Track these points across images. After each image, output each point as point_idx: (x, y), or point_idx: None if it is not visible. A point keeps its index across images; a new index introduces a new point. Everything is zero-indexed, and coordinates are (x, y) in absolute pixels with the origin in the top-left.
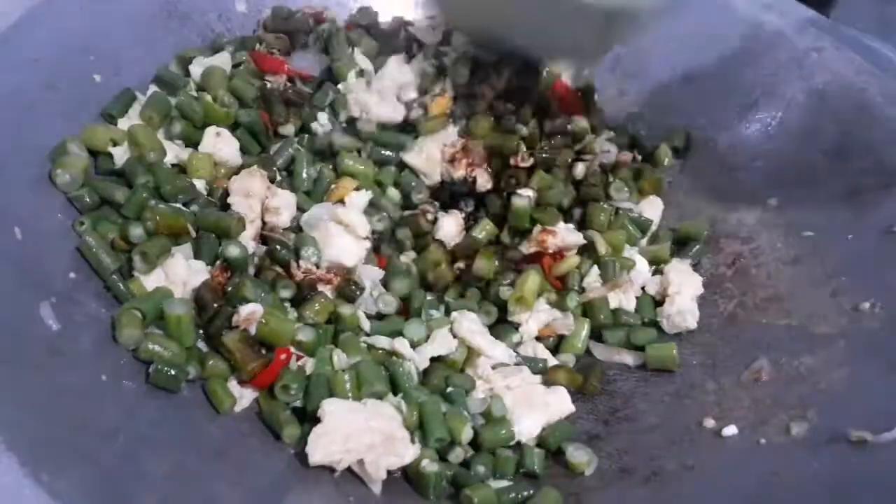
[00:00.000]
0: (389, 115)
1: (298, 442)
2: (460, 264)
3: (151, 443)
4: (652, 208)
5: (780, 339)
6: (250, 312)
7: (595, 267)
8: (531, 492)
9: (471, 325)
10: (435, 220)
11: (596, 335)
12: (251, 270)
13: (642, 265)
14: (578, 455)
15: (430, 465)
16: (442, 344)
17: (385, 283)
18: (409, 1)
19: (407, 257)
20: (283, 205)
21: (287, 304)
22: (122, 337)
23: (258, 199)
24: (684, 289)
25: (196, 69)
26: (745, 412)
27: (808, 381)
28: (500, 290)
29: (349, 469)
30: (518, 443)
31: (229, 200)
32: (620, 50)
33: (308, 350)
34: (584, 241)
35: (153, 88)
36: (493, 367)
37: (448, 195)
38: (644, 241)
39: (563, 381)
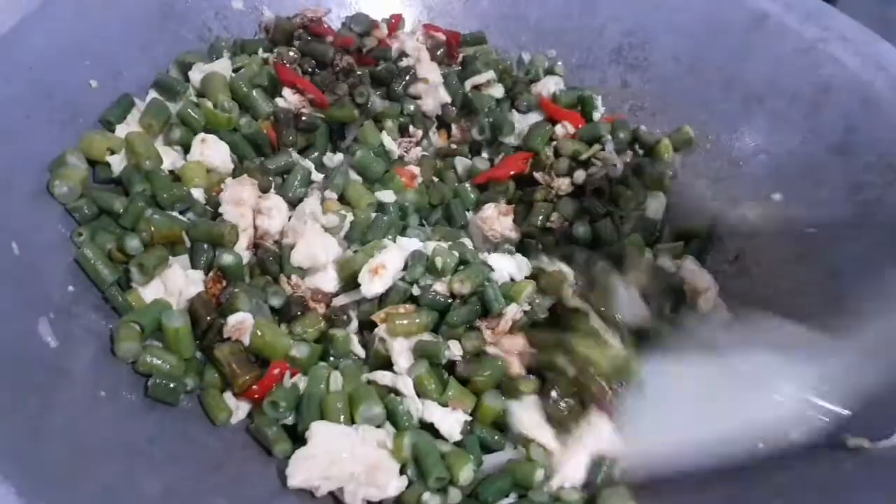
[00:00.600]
0: None
1: (288, 458)
2: None
3: (149, 459)
4: (656, 204)
5: None
6: (239, 322)
7: None
8: None
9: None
10: None
11: None
12: (247, 279)
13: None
14: None
15: (432, 500)
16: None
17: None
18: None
19: None
20: (275, 209)
21: (275, 318)
22: (120, 350)
23: (249, 207)
24: (711, 285)
25: (195, 75)
26: None
27: None
28: None
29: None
30: None
31: (220, 210)
32: (623, 41)
33: (302, 367)
34: None
35: (152, 94)
36: None
37: None
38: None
39: None
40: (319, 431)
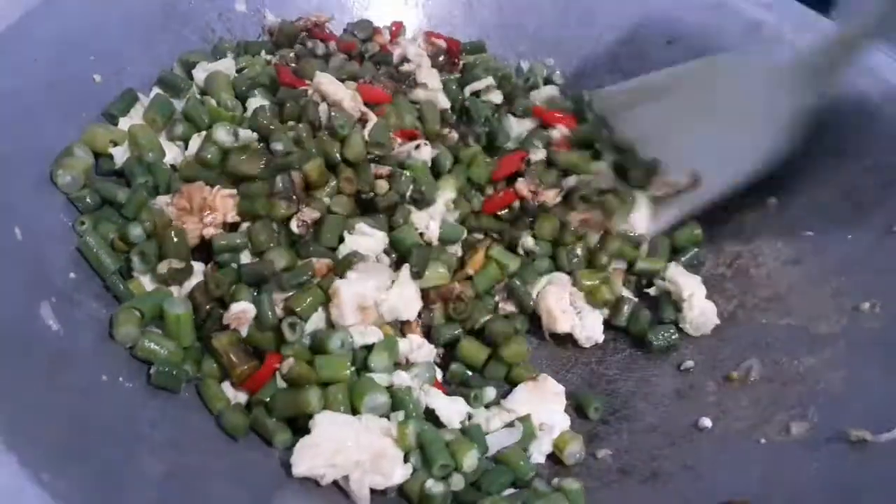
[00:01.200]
0: None
1: (290, 448)
2: None
3: (150, 443)
4: (641, 219)
5: (780, 340)
6: (241, 311)
7: None
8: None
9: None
10: None
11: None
12: None
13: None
14: None
15: (435, 486)
16: None
17: None
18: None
19: None
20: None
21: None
22: (118, 334)
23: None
24: (696, 290)
25: (199, 74)
26: (745, 412)
27: (807, 381)
28: None
29: (335, 483)
30: None
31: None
32: (619, 50)
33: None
34: None
35: (156, 90)
36: None
37: None
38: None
39: None
40: (323, 421)
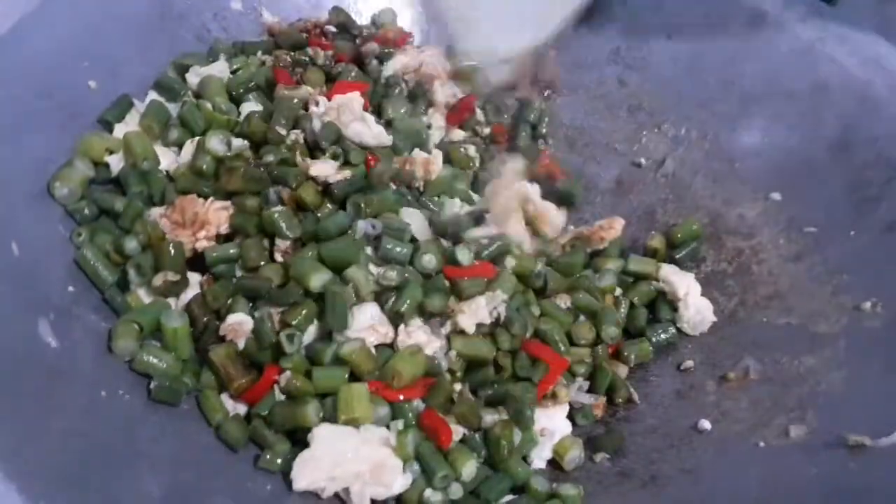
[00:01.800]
0: None
1: (287, 462)
2: None
3: (150, 460)
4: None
5: (781, 339)
6: (238, 322)
7: None
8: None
9: None
10: None
11: None
12: None
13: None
14: None
15: (434, 496)
16: None
17: None
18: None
19: None
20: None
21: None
22: (117, 348)
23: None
24: (691, 289)
25: (193, 78)
26: (745, 414)
27: (807, 382)
28: None
29: (336, 495)
30: None
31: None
32: (621, 42)
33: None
34: None
35: (152, 95)
36: None
37: None
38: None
39: None
40: (322, 434)
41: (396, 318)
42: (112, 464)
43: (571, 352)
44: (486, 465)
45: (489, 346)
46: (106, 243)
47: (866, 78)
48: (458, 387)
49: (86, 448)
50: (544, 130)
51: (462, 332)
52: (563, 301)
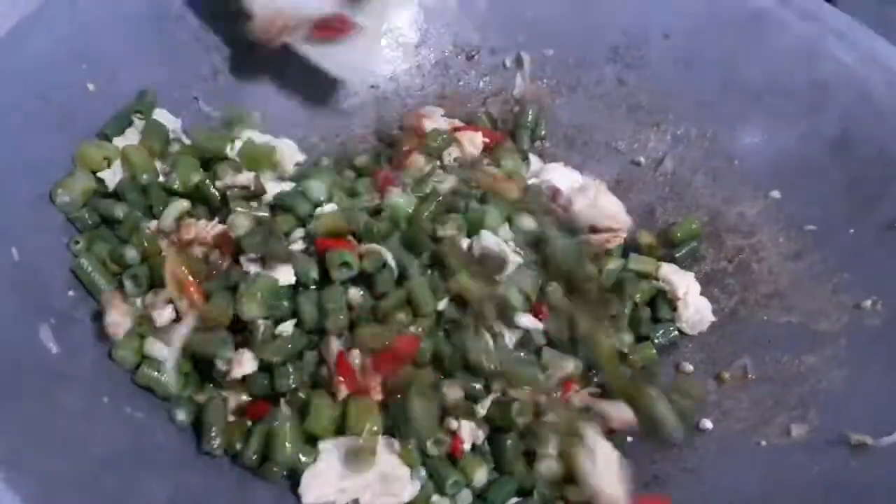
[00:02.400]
0: None
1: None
2: None
3: (154, 464)
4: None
5: (781, 337)
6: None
7: None
8: None
9: None
10: None
11: None
12: None
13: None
14: None
15: (442, 502)
16: None
17: None
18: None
19: None
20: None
21: None
22: (117, 356)
23: None
24: (690, 288)
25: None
26: (746, 413)
27: (808, 381)
28: None
29: None
30: None
31: None
32: (619, 40)
33: None
34: None
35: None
36: None
37: None
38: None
39: None
40: (328, 447)
41: None
42: (115, 470)
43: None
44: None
45: None
46: (104, 252)
47: (866, 76)
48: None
49: (88, 452)
50: (543, 132)
51: None
52: None
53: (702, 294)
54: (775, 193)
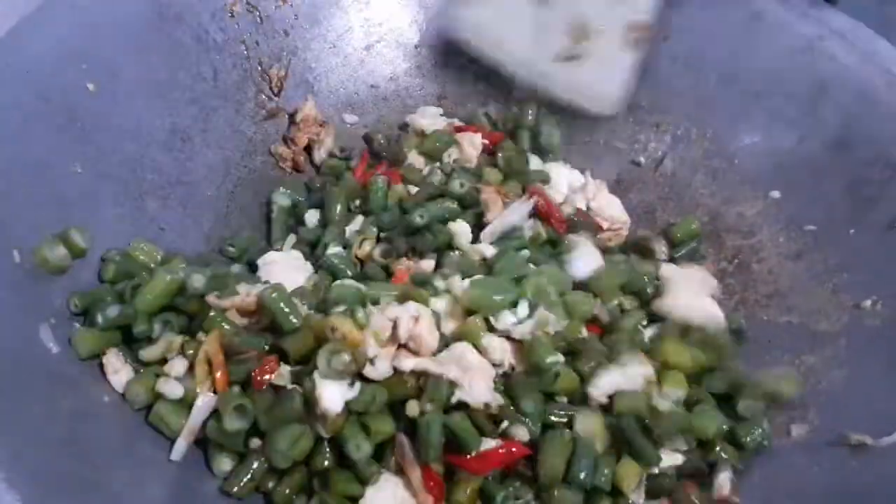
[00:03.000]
0: None
1: None
2: None
3: (155, 464)
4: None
5: (781, 337)
6: None
7: None
8: None
9: None
10: None
11: None
12: None
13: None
14: None
15: None
16: None
17: None
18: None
19: None
20: None
21: None
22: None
23: None
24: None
25: None
26: None
27: (808, 381)
28: None
29: None
30: None
31: None
32: None
33: None
34: None
35: None
36: None
37: None
38: None
39: None
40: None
41: None
42: (116, 470)
43: None
44: None
45: None
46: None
47: (866, 76)
48: None
49: (89, 452)
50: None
51: None
52: None
53: None
54: (775, 193)
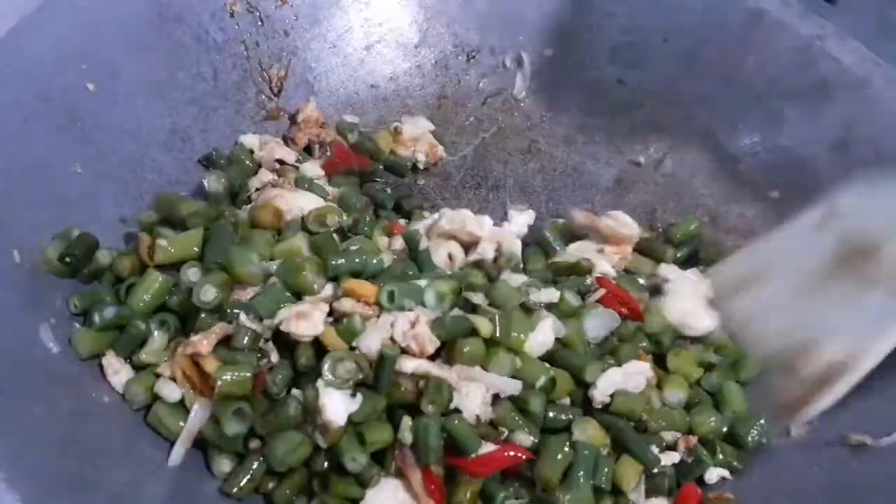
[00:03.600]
0: None
1: None
2: None
3: (155, 464)
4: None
5: None
6: None
7: None
8: None
9: None
10: None
11: None
12: None
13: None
14: None
15: None
16: None
17: None
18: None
19: None
20: None
21: None
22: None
23: None
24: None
25: None
26: None
27: None
28: None
29: None
30: None
31: None
32: (620, 40)
33: None
34: None
35: None
36: None
37: None
38: None
39: None
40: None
41: None
42: (116, 469)
43: None
44: None
45: None
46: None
47: (866, 76)
48: None
49: (89, 452)
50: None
51: None
52: None
53: None
54: (775, 194)
